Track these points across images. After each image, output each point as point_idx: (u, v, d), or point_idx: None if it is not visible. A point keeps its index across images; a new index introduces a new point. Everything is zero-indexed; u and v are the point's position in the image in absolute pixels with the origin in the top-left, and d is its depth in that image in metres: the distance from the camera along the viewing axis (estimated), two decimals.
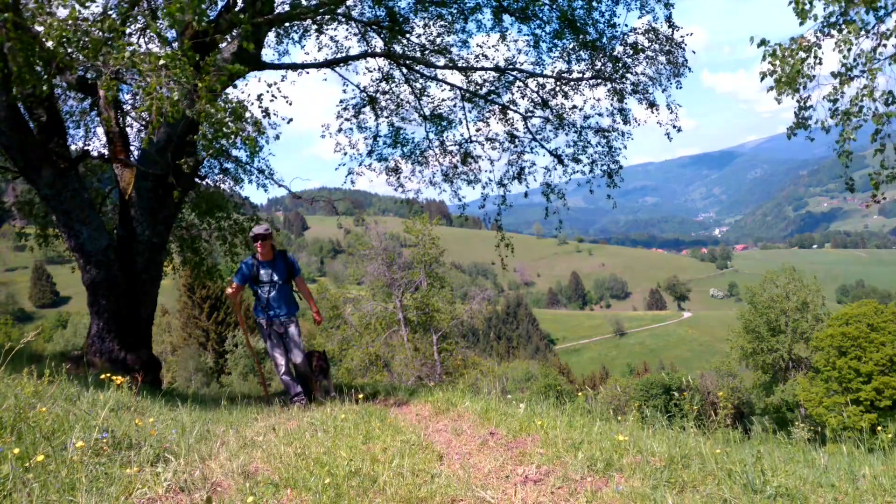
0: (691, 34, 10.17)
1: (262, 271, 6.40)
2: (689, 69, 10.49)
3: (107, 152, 8.68)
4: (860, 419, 28.84)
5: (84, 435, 3.09)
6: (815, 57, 6.31)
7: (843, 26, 6.12)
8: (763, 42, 6.46)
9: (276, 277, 6.40)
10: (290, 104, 10.36)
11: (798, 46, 6.27)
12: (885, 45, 6.23)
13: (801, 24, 6.11)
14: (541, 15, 10.29)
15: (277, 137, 10.76)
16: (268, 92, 10.28)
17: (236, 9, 7.80)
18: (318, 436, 4.06)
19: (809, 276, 43.50)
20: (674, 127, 10.64)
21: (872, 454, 3.52)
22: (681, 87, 10.66)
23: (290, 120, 9.81)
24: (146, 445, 3.21)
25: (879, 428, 4.78)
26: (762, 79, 6.50)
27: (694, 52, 10.45)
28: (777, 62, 6.34)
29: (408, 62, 10.87)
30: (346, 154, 11.57)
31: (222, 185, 11.23)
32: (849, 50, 6.19)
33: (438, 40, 10.86)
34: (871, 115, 6.30)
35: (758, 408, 40.58)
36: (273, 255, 6.46)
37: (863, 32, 6.17)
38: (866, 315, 32.14)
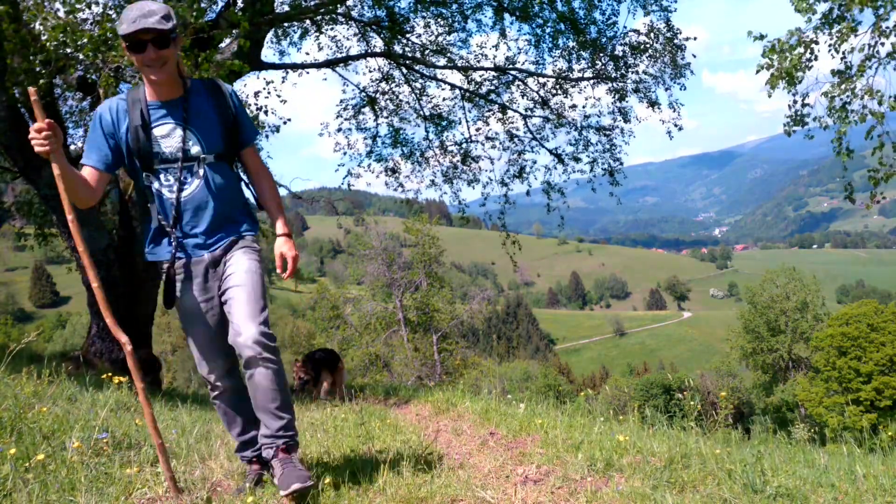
0: (695, 38, 10.19)
1: (154, 130, 2.61)
2: (692, 72, 10.53)
3: None
4: (860, 419, 28.85)
5: (84, 435, 3.09)
6: (812, 53, 6.33)
7: (840, 22, 6.14)
8: (761, 37, 6.47)
9: (193, 146, 2.64)
10: (284, 102, 10.37)
11: (798, 42, 6.29)
12: (882, 44, 6.25)
13: (806, 20, 6.12)
14: (541, 14, 10.30)
15: (277, 129, 10.75)
16: (264, 89, 10.32)
17: (236, 8, 7.80)
18: (318, 436, 4.06)
19: (809, 276, 43.54)
20: (675, 125, 10.68)
21: (872, 454, 3.52)
22: (684, 89, 10.69)
23: (288, 120, 9.85)
24: (146, 445, 3.21)
25: (882, 426, 4.79)
26: (758, 72, 6.51)
27: (695, 55, 10.50)
28: (775, 56, 6.36)
29: (408, 62, 10.88)
30: (345, 154, 11.58)
31: None
32: (850, 50, 6.20)
33: (438, 40, 10.88)
34: (860, 112, 6.32)
35: (758, 408, 40.59)
36: (184, 88, 2.67)
37: (860, 31, 6.19)
38: (866, 315, 32.16)
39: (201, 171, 2.66)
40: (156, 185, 2.64)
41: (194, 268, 2.71)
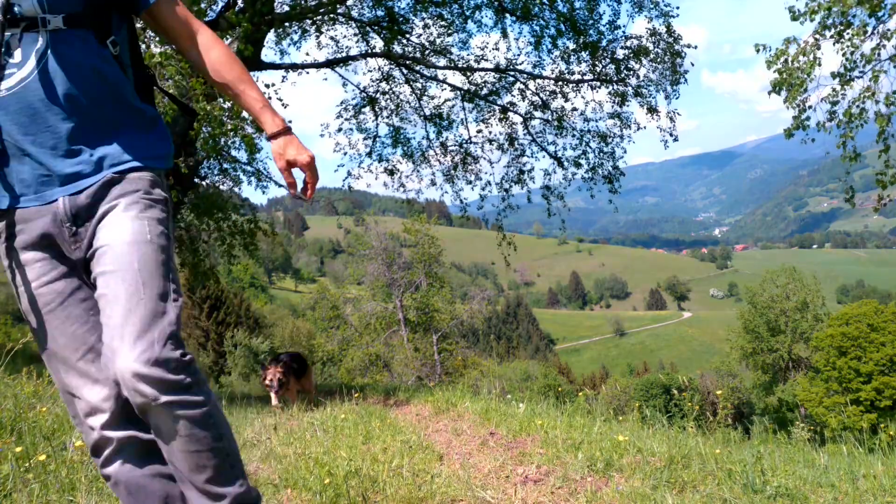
0: (695, 46, 10.22)
1: None
2: (686, 80, 10.60)
3: None
4: (860, 419, 28.85)
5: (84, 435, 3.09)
6: (815, 58, 6.34)
7: (843, 27, 6.14)
8: (764, 47, 6.48)
9: (22, 1, 1.35)
10: (286, 107, 10.40)
11: (799, 50, 6.30)
12: (884, 46, 6.25)
13: (802, 23, 6.13)
14: (541, 15, 10.30)
15: None
16: (265, 93, 10.34)
17: (236, 9, 7.81)
18: (318, 436, 4.06)
19: (809, 276, 43.52)
20: (671, 135, 10.79)
21: (872, 454, 3.52)
22: (678, 97, 10.75)
23: (290, 122, 9.85)
24: None
25: (882, 427, 4.79)
26: (778, 89, 6.51)
27: (693, 63, 10.57)
28: (783, 67, 6.37)
29: (408, 62, 10.88)
30: (345, 154, 11.60)
31: (221, 186, 11.24)
32: (852, 53, 6.20)
33: (438, 40, 10.88)
34: (873, 116, 6.32)
35: (758, 408, 40.58)
36: None
37: (863, 34, 6.19)
38: (866, 315, 32.14)
39: (38, 46, 1.39)
40: None
41: (32, 224, 1.46)
